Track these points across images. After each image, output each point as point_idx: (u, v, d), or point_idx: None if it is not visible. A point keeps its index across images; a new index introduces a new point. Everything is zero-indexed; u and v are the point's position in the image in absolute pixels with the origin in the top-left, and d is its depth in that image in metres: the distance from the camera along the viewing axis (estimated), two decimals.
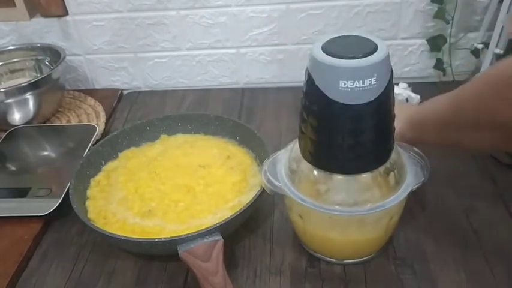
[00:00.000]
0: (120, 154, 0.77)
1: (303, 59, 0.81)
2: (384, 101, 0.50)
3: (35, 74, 0.97)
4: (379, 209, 0.54)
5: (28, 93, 0.85)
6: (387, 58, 0.49)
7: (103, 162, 0.75)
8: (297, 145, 0.58)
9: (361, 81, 0.48)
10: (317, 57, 0.49)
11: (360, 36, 0.52)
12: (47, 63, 0.96)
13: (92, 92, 1.01)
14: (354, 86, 0.48)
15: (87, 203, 0.68)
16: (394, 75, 0.51)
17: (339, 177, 0.54)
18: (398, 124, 0.56)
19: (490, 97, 0.48)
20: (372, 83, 0.48)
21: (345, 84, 0.48)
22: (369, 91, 0.48)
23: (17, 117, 0.87)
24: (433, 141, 0.59)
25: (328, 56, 0.48)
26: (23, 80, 0.91)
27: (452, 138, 0.55)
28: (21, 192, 0.73)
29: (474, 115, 0.51)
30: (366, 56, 0.48)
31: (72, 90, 1.02)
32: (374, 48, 0.49)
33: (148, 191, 0.69)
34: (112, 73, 1.03)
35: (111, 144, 0.76)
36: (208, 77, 1.01)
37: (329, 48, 0.49)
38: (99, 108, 0.95)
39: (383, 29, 0.92)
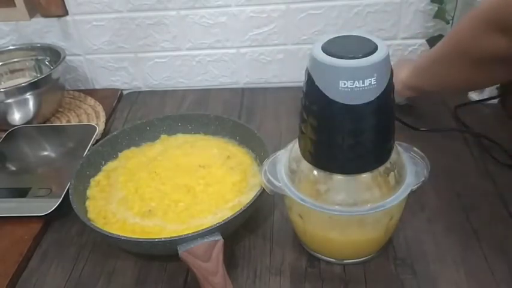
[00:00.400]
0: (120, 154, 0.77)
1: (303, 59, 0.81)
2: (384, 101, 0.50)
3: (35, 74, 0.97)
4: (379, 209, 0.54)
5: (28, 93, 0.85)
6: (387, 58, 0.49)
7: (103, 162, 0.75)
8: (297, 145, 0.58)
9: (361, 81, 0.48)
10: (317, 57, 0.49)
11: (359, 36, 0.52)
12: (47, 63, 0.96)
13: (92, 92, 1.01)
14: (354, 86, 0.48)
15: (87, 203, 0.68)
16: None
17: (339, 177, 0.54)
18: (402, 74, 0.67)
19: (487, 35, 0.51)
20: (372, 83, 0.48)
21: (345, 84, 0.48)
22: (369, 91, 0.48)
23: (17, 117, 0.87)
24: (438, 82, 0.64)
25: (328, 56, 0.48)
26: (23, 80, 0.91)
27: (460, 76, 0.60)
28: (21, 192, 0.73)
29: (475, 52, 0.55)
30: (366, 56, 0.48)
31: (72, 90, 1.02)
32: (374, 48, 0.49)
33: (148, 191, 0.69)
34: (112, 73, 1.03)
35: (111, 144, 0.76)
36: (208, 77, 1.01)
37: (329, 48, 0.49)
38: (99, 108, 0.95)
39: (383, 29, 0.92)
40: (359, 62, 0.47)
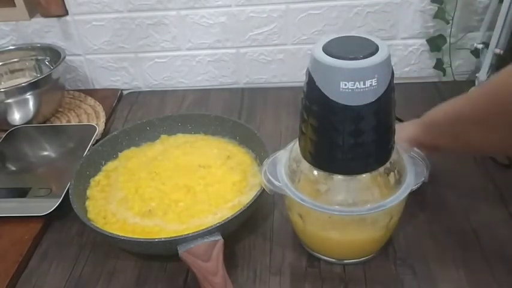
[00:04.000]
0: (120, 154, 0.77)
1: (303, 59, 0.81)
2: (385, 102, 0.50)
3: (35, 74, 0.97)
4: (379, 209, 0.54)
5: (28, 93, 0.85)
6: (388, 59, 0.49)
7: (103, 162, 0.75)
8: (297, 145, 0.58)
9: (362, 82, 0.48)
10: (318, 58, 0.49)
11: (361, 37, 0.51)
12: (47, 63, 0.96)
13: (92, 92, 1.01)
14: (354, 87, 0.48)
15: (87, 203, 0.68)
16: (394, 75, 0.51)
17: (339, 177, 0.54)
18: (405, 132, 0.60)
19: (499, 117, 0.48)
20: (373, 84, 0.48)
21: (345, 85, 0.48)
22: (369, 92, 0.48)
23: (17, 117, 0.87)
24: (446, 142, 0.58)
25: (329, 57, 0.48)
26: (23, 80, 0.91)
27: (464, 137, 0.54)
28: (21, 192, 0.73)
29: (485, 112, 0.50)
30: (367, 57, 0.48)
31: (72, 90, 1.02)
32: (375, 49, 0.49)
33: (148, 191, 0.69)
34: (112, 73, 1.03)
35: (111, 144, 0.76)
36: (208, 77, 1.01)
37: (330, 49, 0.49)
38: (99, 108, 0.95)
39: (383, 29, 0.92)
40: (360, 63, 0.47)
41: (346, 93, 0.48)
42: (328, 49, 0.49)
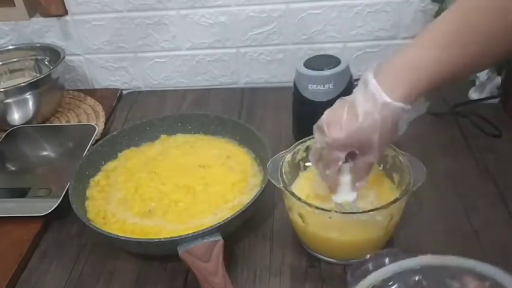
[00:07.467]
0: (119, 154, 0.77)
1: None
2: None
3: (34, 73, 0.97)
4: (379, 209, 0.54)
5: (28, 93, 0.85)
6: (344, 71, 0.71)
7: (102, 162, 0.75)
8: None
9: (321, 85, 0.70)
10: (298, 68, 0.72)
11: (330, 55, 0.74)
12: (46, 63, 0.96)
13: (91, 92, 1.01)
14: (317, 88, 0.70)
15: (87, 203, 0.68)
16: None
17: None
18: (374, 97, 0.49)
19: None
20: (330, 87, 0.70)
21: (311, 86, 0.71)
22: (328, 92, 0.70)
23: (16, 117, 0.87)
24: (452, 71, 0.49)
25: (304, 68, 0.71)
26: (22, 80, 0.91)
27: (457, 62, 0.48)
28: (21, 192, 0.73)
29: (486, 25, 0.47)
30: (326, 70, 0.70)
31: (72, 90, 1.01)
32: (335, 65, 0.70)
33: (148, 191, 0.69)
34: (112, 73, 1.02)
35: (110, 144, 0.76)
36: (208, 77, 1.01)
37: (307, 62, 0.73)
38: (99, 108, 0.95)
39: (383, 29, 0.92)
40: (321, 73, 0.70)
41: (313, 92, 0.71)
42: (306, 63, 0.72)
